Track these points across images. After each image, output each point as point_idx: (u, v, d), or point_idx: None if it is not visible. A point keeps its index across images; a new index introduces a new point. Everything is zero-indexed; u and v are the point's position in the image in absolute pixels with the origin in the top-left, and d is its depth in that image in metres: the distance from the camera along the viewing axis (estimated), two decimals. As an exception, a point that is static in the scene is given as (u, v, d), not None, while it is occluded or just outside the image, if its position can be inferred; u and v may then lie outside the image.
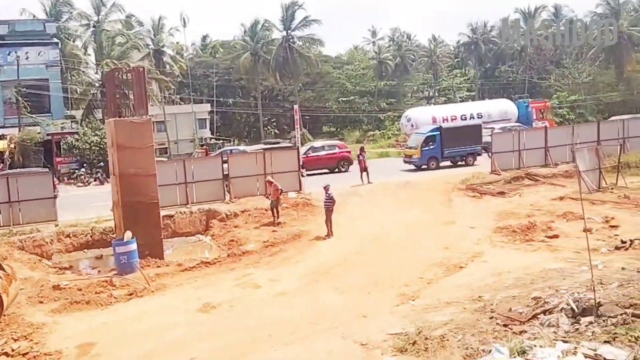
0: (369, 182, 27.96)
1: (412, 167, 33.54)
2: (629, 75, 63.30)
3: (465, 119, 45.84)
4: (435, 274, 15.24)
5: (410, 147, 34.58)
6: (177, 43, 67.60)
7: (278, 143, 43.45)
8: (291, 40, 63.81)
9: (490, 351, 9.04)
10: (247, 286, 15.33)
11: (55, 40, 48.96)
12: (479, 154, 33.75)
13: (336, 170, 34.09)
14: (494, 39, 77.17)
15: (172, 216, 23.22)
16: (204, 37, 78.41)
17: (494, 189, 25.60)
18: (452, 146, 33.03)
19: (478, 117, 46.12)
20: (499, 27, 77.93)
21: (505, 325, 10.33)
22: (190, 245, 22.21)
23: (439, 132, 33.41)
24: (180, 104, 63.47)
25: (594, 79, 63.29)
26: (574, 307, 10.16)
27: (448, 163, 33.52)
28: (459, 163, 33.31)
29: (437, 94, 74.27)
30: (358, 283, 14.93)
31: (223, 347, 11.08)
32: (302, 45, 65.40)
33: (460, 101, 66.29)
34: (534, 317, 10.42)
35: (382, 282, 14.80)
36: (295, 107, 32.34)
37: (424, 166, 32.94)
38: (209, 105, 62.72)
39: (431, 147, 32.86)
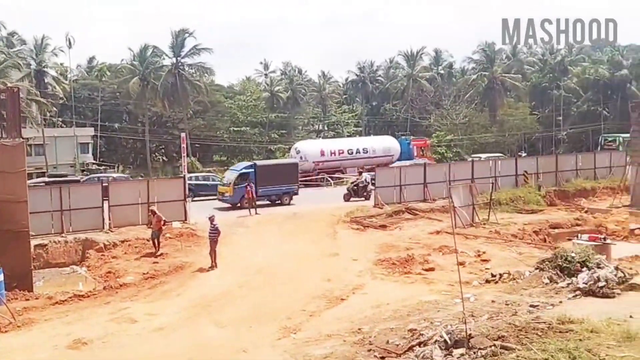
0: (256, 213, 27.90)
1: (226, 205, 30.83)
2: (501, 118, 68.29)
3: (352, 153, 47.17)
4: (318, 306, 15.39)
5: (224, 185, 31.97)
6: (61, 64, 64.61)
7: (65, 176, 40.17)
8: (181, 67, 63.00)
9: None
10: (122, 321, 14.66)
11: None
12: (295, 194, 32.71)
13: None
14: (380, 78, 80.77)
15: (45, 245, 21.82)
16: (90, 59, 75.47)
17: (376, 222, 26.41)
18: (267, 185, 31.10)
19: (364, 152, 47.63)
20: (385, 67, 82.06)
21: (382, 358, 10.59)
22: (63, 276, 20.88)
23: (253, 170, 31.28)
24: (61, 126, 60.44)
25: (469, 120, 67.56)
26: (447, 340, 10.58)
27: (265, 202, 31.22)
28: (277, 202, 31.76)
29: (326, 128, 76.05)
30: (240, 316, 14.76)
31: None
32: (192, 73, 64.75)
33: (348, 136, 68.34)
34: (410, 349, 10.75)
35: (265, 315, 14.72)
36: (183, 135, 31.62)
37: (238, 204, 30.11)
38: (92, 129, 60.23)
39: (245, 185, 29.77)
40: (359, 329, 12.75)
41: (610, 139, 55.20)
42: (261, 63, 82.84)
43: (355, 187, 32.61)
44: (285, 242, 23.00)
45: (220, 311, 15.32)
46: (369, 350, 11.02)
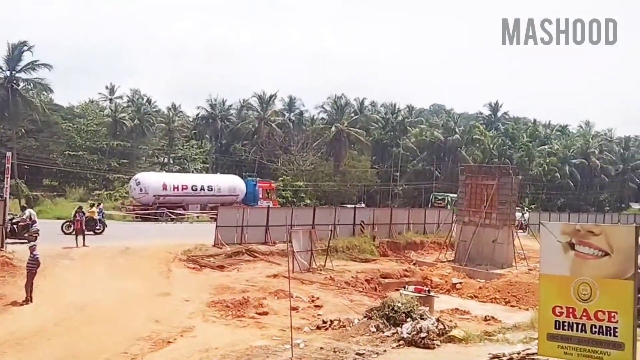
0: (84, 245, 25.97)
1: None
2: (345, 169, 71.30)
3: (196, 189, 46.23)
4: (142, 348, 14.43)
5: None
6: None
7: None
8: (15, 81, 58.18)
9: None
10: None
11: None
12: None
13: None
14: (232, 117, 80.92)
15: None
16: None
17: (214, 262, 25.78)
18: None
19: (208, 190, 46.92)
20: (237, 107, 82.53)
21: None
22: None
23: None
24: None
25: (315, 168, 69.70)
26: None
27: None
28: None
29: (172, 162, 74.06)
30: (54, 357, 13.39)
31: None
32: (28, 89, 60.07)
33: (194, 172, 67.03)
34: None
35: (82, 356, 13.54)
36: (8, 154, 28.93)
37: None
38: None
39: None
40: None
41: (440, 197, 59.78)
42: (107, 87, 79.50)
43: (14, 226, 25.40)
44: (113, 278, 21.50)
45: (30, 350, 13.81)
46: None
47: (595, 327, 6.57)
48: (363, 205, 61.79)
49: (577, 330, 6.69)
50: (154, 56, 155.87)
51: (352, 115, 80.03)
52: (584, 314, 6.63)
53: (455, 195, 40.86)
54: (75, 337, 15.07)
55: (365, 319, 15.60)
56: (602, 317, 6.53)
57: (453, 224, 35.93)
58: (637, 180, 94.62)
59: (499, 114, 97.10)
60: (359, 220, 35.50)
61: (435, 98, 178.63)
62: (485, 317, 21.99)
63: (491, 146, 78.92)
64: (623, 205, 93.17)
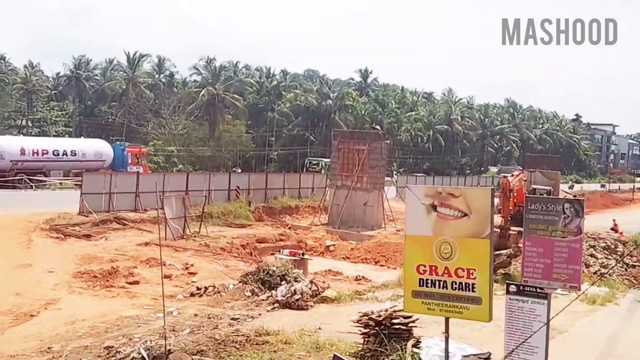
0: None
1: None
2: (220, 134, 70.16)
3: (58, 154, 43.41)
4: (2, 323, 13.53)
5: None
6: None
7: None
8: None
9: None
10: None
11: None
12: None
13: None
14: (97, 78, 76.48)
15: None
16: None
17: (80, 230, 24.52)
18: None
19: (72, 154, 44.25)
20: (103, 67, 78.07)
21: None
22: None
23: None
24: None
25: (188, 133, 67.95)
26: (145, 356, 10.11)
27: None
28: None
29: (30, 125, 68.87)
30: None
31: None
32: None
33: (55, 136, 62.86)
34: (105, 367, 10.04)
35: None
36: None
37: None
38: None
39: None
40: (49, 348, 11.48)
41: (314, 162, 60.76)
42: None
43: None
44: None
45: None
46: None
47: (456, 284, 7.00)
48: (239, 170, 61.42)
49: (439, 287, 7.10)
50: (8, 10, 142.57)
51: (227, 79, 78.70)
52: (445, 271, 7.04)
53: (329, 160, 41.72)
54: None
55: (241, 284, 15.62)
56: (462, 274, 6.96)
57: (327, 188, 36.76)
58: (495, 145, 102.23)
59: (369, 79, 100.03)
60: (234, 185, 35.25)
61: (310, 63, 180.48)
62: (357, 277, 22.88)
63: (363, 112, 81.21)
64: (482, 168, 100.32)
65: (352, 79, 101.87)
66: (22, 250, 21.18)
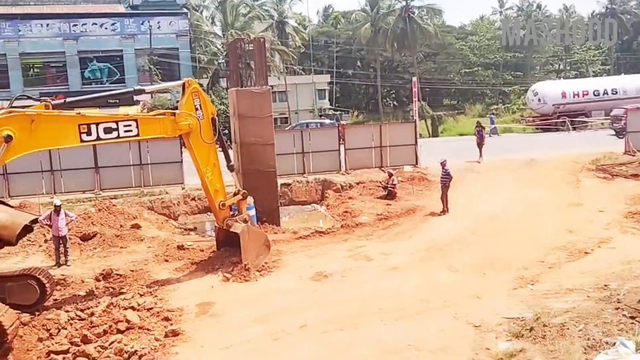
0: (480, 158, 26.80)
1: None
2: None
3: (598, 94, 42.79)
4: (558, 258, 14.40)
5: None
6: (300, 14, 68.40)
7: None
8: (410, 10, 62.32)
9: (614, 344, 8.41)
10: (359, 258, 15.35)
11: (185, 10, 51.18)
12: None
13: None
14: (634, 10, 71.16)
15: (290, 185, 23.73)
16: (326, 8, 78.85)
17: (627, 170, 23.72)
18: None
19: (612, 93, 42.90)
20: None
21: (632, 318, 9.62)
22: (305, 214, 22.63)
23: None
24: (301, 74, 64.36)
25: None
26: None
27: None
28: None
29: (568, 68, 69.84)
30: (473, 262, 14.44)
31: (334, 317, 11.15)
32: (421, 16, 63.77)
33: (594, 76, 61.92)
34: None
35: (499, 263, 14.22)
36: (414, 79, 31.51)
37: None
38: (328, 76, 63.05)
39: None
40: (605, 285, 11.71)
41: None
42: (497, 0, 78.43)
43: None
44: (520, 190, 21.87)
45: (452, 256, 15.18)
46: (617, 309, 10.10)
47: None
48: None
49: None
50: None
51: None
52: None
53: None
54: (491, 245, 15.93)
55: None
56: None
57: None
58: None
59: None
60: None
61: None
62: None
63: None
64: None
65: None
66: (571, 189, 21.95)
